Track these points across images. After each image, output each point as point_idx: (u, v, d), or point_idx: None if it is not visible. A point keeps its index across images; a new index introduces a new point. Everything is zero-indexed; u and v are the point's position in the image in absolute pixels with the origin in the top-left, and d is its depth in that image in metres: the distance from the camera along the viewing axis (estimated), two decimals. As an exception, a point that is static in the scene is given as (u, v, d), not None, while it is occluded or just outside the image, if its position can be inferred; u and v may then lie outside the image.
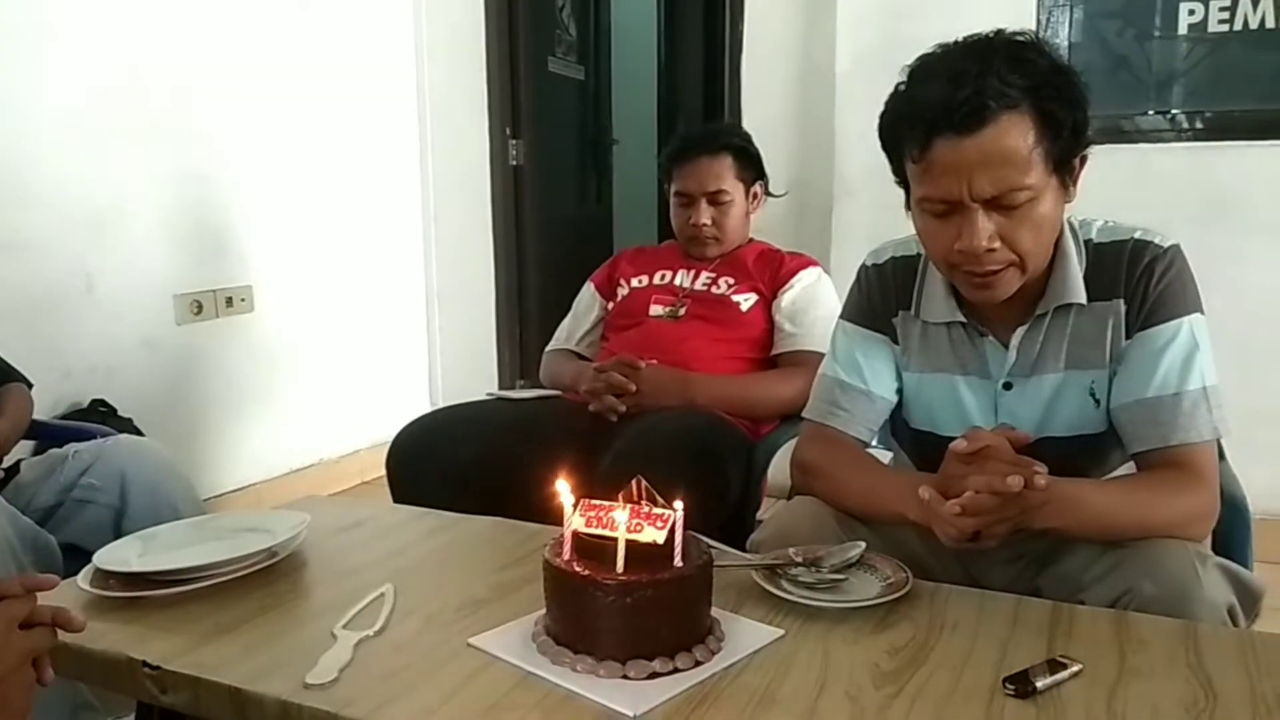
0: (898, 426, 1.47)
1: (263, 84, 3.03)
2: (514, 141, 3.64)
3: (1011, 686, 0.87)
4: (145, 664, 0.98)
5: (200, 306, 2.89)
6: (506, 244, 3.70)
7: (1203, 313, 1.22)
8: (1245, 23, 2.56)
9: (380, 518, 1.45)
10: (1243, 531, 1.32)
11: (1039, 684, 0.87)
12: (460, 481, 1.70)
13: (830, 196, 2.99)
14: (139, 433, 2.40)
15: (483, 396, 2.08)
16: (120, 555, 1.21)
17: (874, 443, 1.46)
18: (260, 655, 0.99)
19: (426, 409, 2.09)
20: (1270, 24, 2.54)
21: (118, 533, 1.52)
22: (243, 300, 3.02)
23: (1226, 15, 2.57)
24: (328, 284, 3.33)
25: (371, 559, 1.26)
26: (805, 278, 2.03)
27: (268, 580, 1.17)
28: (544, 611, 1.00)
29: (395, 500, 1.77)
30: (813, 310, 1.98)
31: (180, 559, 1.18)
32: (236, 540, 1.23)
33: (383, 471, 1.85)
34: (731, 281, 2.05)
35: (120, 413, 2.55)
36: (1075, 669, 0.90)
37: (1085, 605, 1.09)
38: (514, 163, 3.66)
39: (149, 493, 1.64)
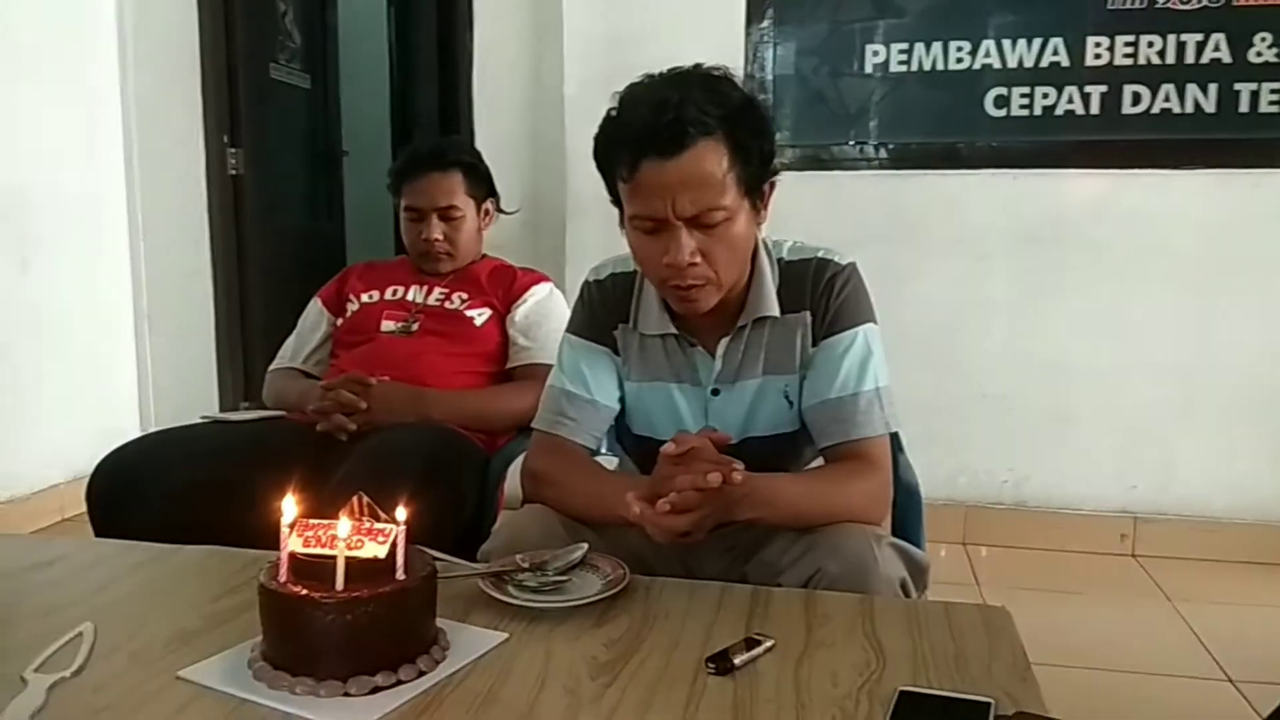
0: (622, 433, 1.54)
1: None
2: (233, 150, 3.46)
3: (712, 665, 0.95)
4: None
5: None
6: (226, 258, 3.50)
7: (876, 322, 1.38)
8: (920, 64, 2.90)
9: (79, 553, 1.34)
10: (916, 515, 1.50)
11: (736, 661, 0.96)
12: (172, 512, 1.58)
13: (564, 214, 3.08)
14: None
15: (196, 420, 1.96)
16: None
17: (603, 450, 1.53)
18: (-67, 711, 0.89)
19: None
20: (940, 66, 2.89)
21: None
22: (-89, 322, 2.67)
23: (905, 57, 2.91)
24: (16, 303, 3.00)
25: (68, 598, 1.16)
26: (538, 292, 2.09)
27: (-57, 629, 1.06)
28: (261, 638, 0.97)
29: (98, 536, 1.63)
30: (546, 324, 2.03)
31: None
32: (-99, 589, 1.10)
33: (85, 507, 1.70)
34: (465, 297, 2.06)
35: None
36: (769, 644, 1.00)
37: (782, 587, 1.20)
38: (233, 172, 3.48)
39: None
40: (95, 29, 3.33)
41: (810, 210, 2.58)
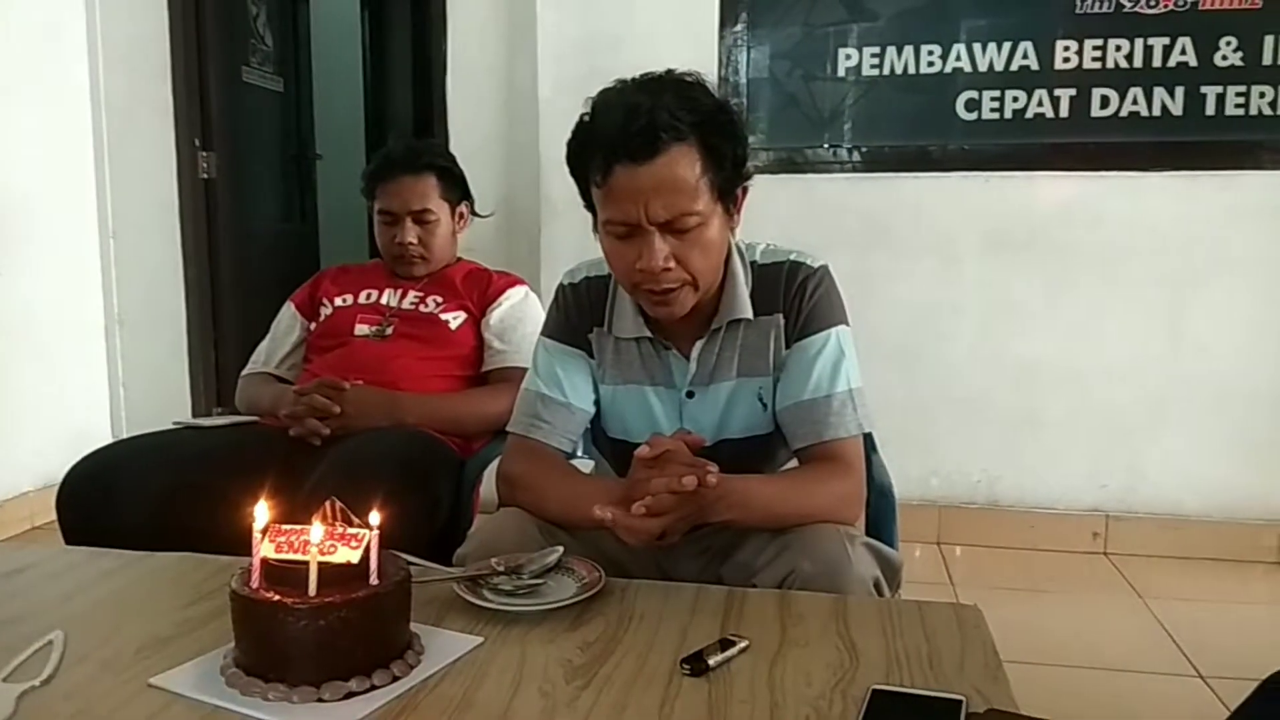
0: (597, 436, 1.54)
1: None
2: (204, 154, 3.43)
3: (687, 666, 0.96)
4: None
5: None
6: (198, 262, 3.47)
7: (848, 324, 1.39)
8: (892, 68, 2.93)
9: (49, 561, 1.33)
10: (889, 514, 1.51)
11: (711, 661, 0.96)
12: (143, 518, 1.57)
13: (538, 218, 3.08)
14: None
15: (169, 426, 1.94)
16: None
17: (578, 453, 1.53)
18: (-101, 722, 0.88)
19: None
20: (912, 70, 2.91)
21: None
22: (-125, 327, 2.63)
23: (876, 61, 2.93)
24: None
25: (38, 605, 1.15)
26: (513, 296, 2.08)
27: (-91, 639, 1.04)
28: (233, 644, 0.97)
29: (68, 543, 1.61)
30: (521, 328, 2.02)
31: None
32: None
33: (54, 514, 1.68)
34: (440, 300, 2.05)
35: None
36: (743, 645, 1.00)
37: (757, 588, 1.21)
38: (205, 176, 3.45)
39: None
40: (66, 32, 3.29)
41: (784, 213, 2.61)
